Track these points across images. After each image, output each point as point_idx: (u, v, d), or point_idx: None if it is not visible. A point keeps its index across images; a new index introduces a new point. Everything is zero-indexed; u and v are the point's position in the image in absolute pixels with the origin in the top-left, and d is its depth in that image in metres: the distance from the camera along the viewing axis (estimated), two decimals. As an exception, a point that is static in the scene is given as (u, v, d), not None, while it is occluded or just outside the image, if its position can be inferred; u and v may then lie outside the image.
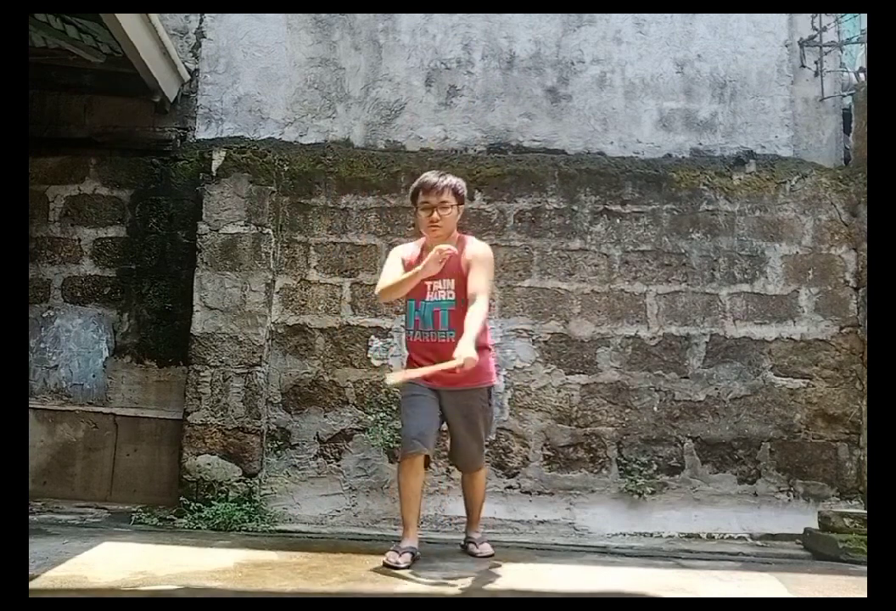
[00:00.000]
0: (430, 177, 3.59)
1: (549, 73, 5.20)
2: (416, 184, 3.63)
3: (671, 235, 4.89)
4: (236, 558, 3.45)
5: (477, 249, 3.58)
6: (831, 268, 4.88)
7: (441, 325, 3.53)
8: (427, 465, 3.55)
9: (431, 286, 3.55)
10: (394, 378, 3.55)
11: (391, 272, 3.60)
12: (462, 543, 3.84)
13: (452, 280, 3.53)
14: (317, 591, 2.96)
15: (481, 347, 3.39)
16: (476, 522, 3.86)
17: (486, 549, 3.73)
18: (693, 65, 5.21)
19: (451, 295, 3.53)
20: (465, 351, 3.18)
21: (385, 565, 3.34)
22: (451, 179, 3.59)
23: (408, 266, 3.59)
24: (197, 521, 4.29)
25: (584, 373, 4.75)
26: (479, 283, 3.45)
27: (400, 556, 3.36)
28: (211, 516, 4.28)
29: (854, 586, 3.24)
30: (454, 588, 3.07)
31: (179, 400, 4.70)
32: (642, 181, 4.93)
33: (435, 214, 3.52)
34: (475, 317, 3.33)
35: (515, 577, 3.34)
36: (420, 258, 3.57)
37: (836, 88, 5.21)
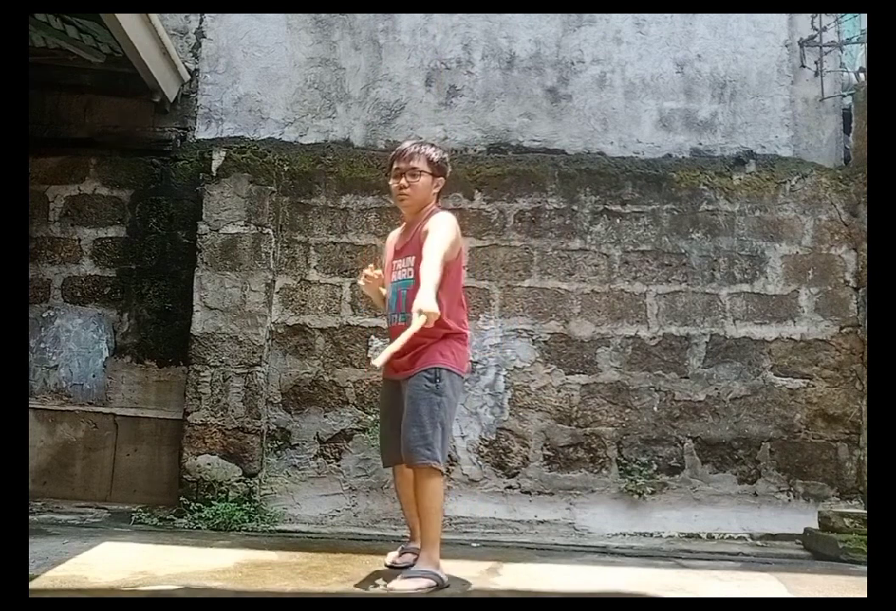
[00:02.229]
0: (405, 144, 3.30)
1: (549, 73, 5.20)
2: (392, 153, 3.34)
3: (671, 235, 4.89)
4: (236, 558, 3.45)
5: (433, 219, 3.16)
6: (831, 268, 4.88)
7: (402, 307, 3.13)
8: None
9: (395, 266, 3.26)
10: (380, 359, 2.87)
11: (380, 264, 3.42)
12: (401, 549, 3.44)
13: (413, 257, 3.15)
14: (317, 591, 2.96)
15: (454, 334, 3.15)
16: (420, 537, 3.19)
17: (408, 583, 2.95)
18: (693, 65, 5.21)
19: (409, 273, 3.16)
20: (420, 302, 2.81)
21: (386, 565, 3.35)
22: (428, 148, 3.25)
23: (390, 253, 3.37)
24: (197, 521, 4.29)
25: (584, 373, 4.75)
26: (429, 243, 3.04)
27: (400, 556, 3.36)
28: (211, 516, 4.28)
29: (854, 586, 3.24)
30: (454, 588, 3.06)
31: (179, 400, 4.70)
32: (642, 181, 4.93)
33: (403, 180, 3.18)
34: (424, 268, 2.95)
35: (515, 577, 3.34)
36: (401, 241, 3.32)
37: (836, 88, 5.21)
